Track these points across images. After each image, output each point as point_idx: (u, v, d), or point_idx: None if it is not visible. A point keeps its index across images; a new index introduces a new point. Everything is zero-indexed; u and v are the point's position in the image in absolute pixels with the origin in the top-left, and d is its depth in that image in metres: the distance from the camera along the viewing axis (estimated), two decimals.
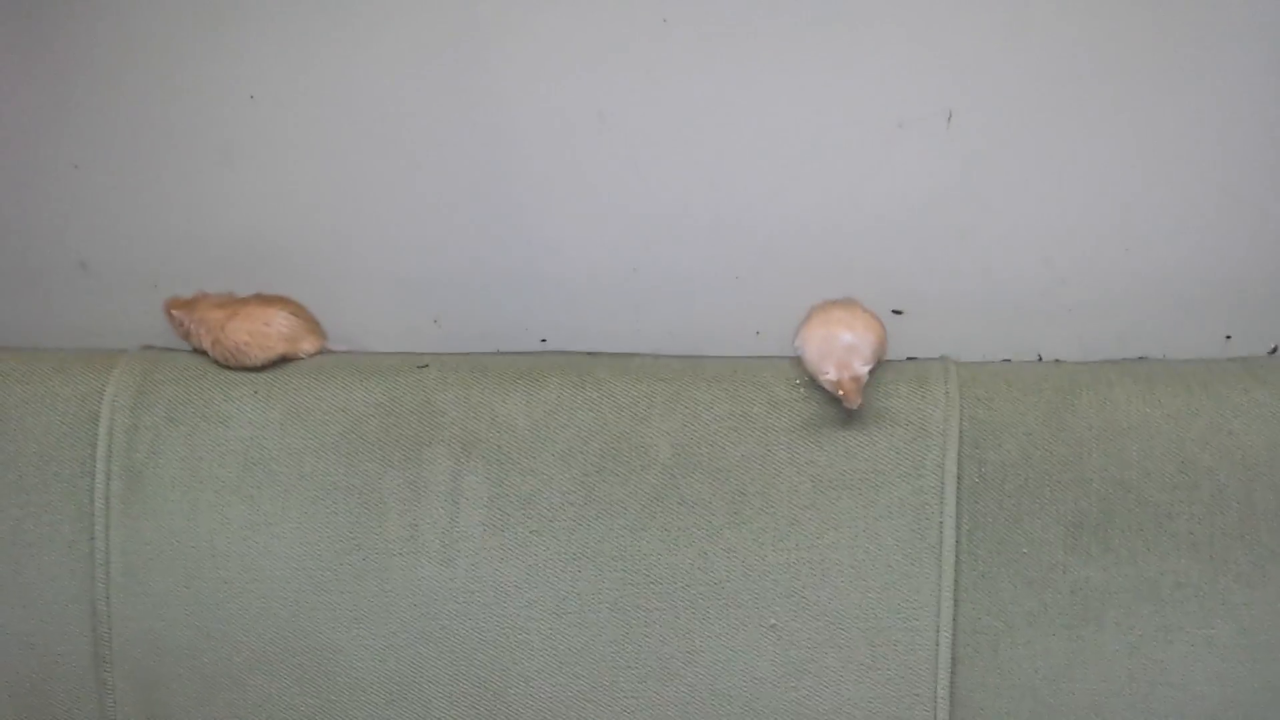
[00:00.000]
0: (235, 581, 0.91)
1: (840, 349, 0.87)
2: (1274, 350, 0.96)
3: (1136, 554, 0.85)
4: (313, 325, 0.99)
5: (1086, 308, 0.97)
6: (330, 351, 0.99)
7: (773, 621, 0.88)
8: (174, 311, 0.97)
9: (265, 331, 0.95)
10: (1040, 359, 0.98)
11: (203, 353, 0.97)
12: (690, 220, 1.00)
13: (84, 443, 0.93)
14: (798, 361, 0.91)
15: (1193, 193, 0.95)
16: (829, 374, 0.87)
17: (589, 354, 0.98)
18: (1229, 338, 0.97)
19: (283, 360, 0.96)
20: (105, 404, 0.94)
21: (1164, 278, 0.96)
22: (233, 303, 0.98)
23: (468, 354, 0.98)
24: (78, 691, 0.93)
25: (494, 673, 0.90)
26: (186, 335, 0.97)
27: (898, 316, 0.95)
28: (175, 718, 0.93)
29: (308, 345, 0.98)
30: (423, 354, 0.97)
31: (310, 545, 0.91)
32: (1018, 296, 0.98)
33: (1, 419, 0.94)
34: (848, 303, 0.91)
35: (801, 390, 0.90)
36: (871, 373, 0.88)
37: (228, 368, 0.96)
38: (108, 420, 0.93)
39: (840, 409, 0.88)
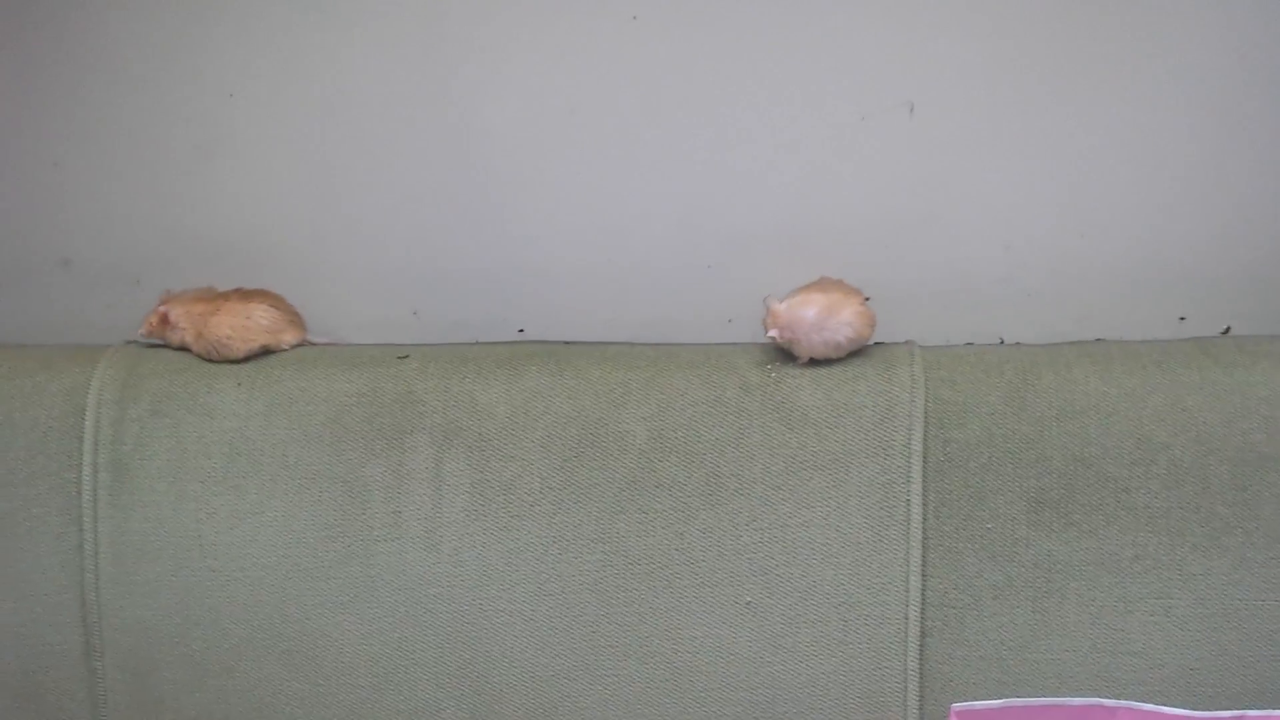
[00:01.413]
0: (222, 570, 0.91)
1: (798, 319, 0.89)
2: (1226, 330, 0.97)
3: (1097, 528, 0.86)
4: (293, 317, 0.99)
5: (1045, 292, 0.98)
6: (311, 343, 0.99)
7: (748, 599, 0.88)
8: (163, 308, 0.96)
9: (247, 325, 0.95)
10: (1002, 342, 0.99)
11: (184, 349, 0.96)
12: (662, 212, 1.00)
13: (71, 437, 0.93)
14: (769, 346, 0.92)
15: (1146, 179, 0.96)
16: (772, 333, 0.89)
17: (566, 343, 0.98)
18: (1183, 319, 0.98)
19: (264, 352, 0.96)
20: (91, 398, 0.93)
21: (1119, 262, 0.97)
22: (214, 297, 0.97)
23: (447, 344, 0.98)
24: (69, 680, 0.93)
25: (478, 654, 0.90)
26: (167, 331, 0.96)
27: (868, 303, 0.95)
28: (166, 704, 0.92)
29: (289, 337, 0.97)
30: (403, 345, 0.97)
31: (296, 533, 0.91)
32: (979, 282, 0.99)
33: None
34: (831, 284, 0.92)
35: (773, 375, 0.91)
36: (841, 358, 0.90)
37: (210, 361, 0.95)
38: (94, 414, 0.93)
39: (811, 393, 0.89)
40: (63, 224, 1.05)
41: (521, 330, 1.03)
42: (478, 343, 1.00)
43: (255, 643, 0.91)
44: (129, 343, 0.98)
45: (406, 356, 0.94)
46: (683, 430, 0.90)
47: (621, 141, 0.98)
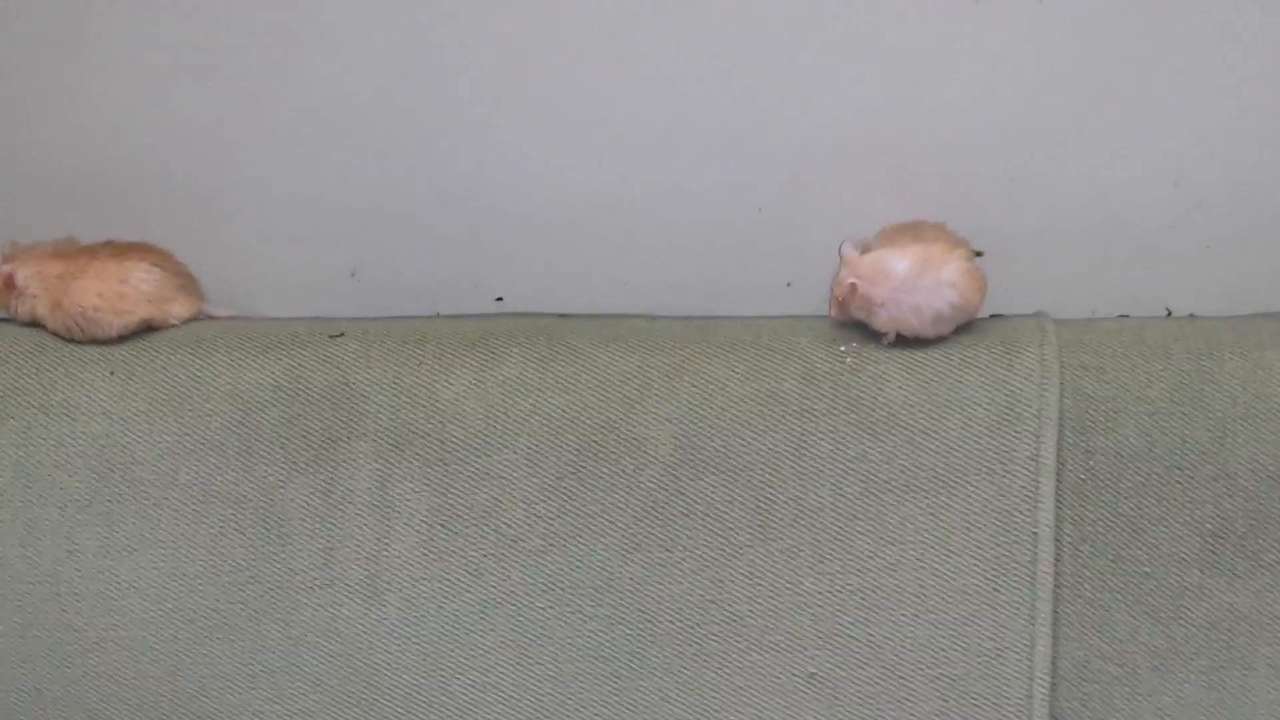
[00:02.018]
0: (87, 629, 0.95)
1: (883, 274, 0.92)
2: None
3: None
4: (184, 281, 1.02)
5: (1230, 244, 1.00)
6: (210, 317, 1.02)
7: (812, 669, 0.91)
8: (6, 267, 0.99)
9: (122, 291, 0.98)
10: (1169, 314, 1.01)
11: (36, 323, 0.99)
12: (692, 136, 1.02)
13: None
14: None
15: None
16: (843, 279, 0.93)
17: (561, 316, 1.01)
18: None
19: (146, 329, 0.99)
20: None
21: None
22: (77, 253, 1.00)
23: (397, 318, 1.01)
24: None
25: None
26: (12, 299, 0.99)
27: (979, 260, 0.98)
28: None
29: (179, 309, 1.00)
30: (337, 319, 1.01)
31: (190, 578, 0.94)
32: (1139, 230, 1.01)
33: None
34: (930, 231, 0.95)
35: (849, 359, 0.93)
36: (950, 335, 0.93)
37: (72, 341, 0.98)
38: None
39: (902, 385, 0.91)
40: None
41: (500, 299, 1.06)
42: (438, 316, 1.03)
43: None
44: None
45: (341, 335, 0.98)
46: (722, 437, 0.92)
47: (637, 38, 1.00)
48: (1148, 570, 0.89)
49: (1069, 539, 0.90)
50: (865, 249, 0.96)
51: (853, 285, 0.93)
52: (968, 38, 0.98)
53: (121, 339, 0.98)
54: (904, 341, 0.94)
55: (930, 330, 0.93)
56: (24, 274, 0.99)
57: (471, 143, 1.03)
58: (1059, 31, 0.97)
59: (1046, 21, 0.97)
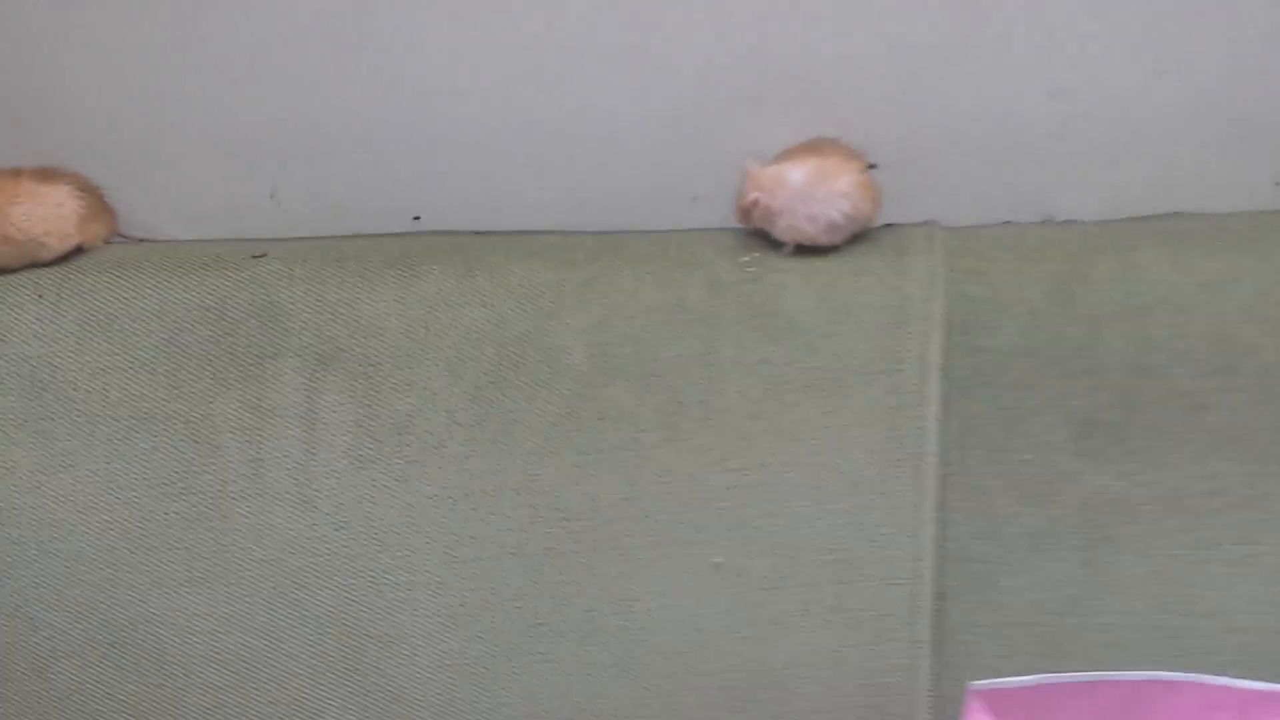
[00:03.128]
0: (27, 542, 0.98)
1: (781, 184, 0.96)
2: None
3: (1162, 457, 0.94)
4: (100, 202, 1.04)
5: (1106, 150, 1.05)
6: (124, 238, 1.04)
7: (717, 560, 0.97)
8: None
9: (60, 215, 1.00)
10: (1050, 220, 1.06)
11: None
12: (601, 53, 1.05)
13: None
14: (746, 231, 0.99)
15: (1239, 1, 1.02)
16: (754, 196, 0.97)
17: (477, 234, 1.04)
18: None
19: (77, 252, 1.01)
20: None
21: (1204, 110, 1.04)
22: (2, 177, 1.01)
23: (318, 238, 1.04)
24: None
25: (368, 640, 0.98)
26: None
27: (873, 171, 1.02)
28: None
29: (103, 230, 1.03)
30: (258, 240, 1.03)
31: (124, 490, 0.98)
32: (1021, 139, 1.05)
33: None
34: (827, 145, 1.00)
35: (751, 269, 0.98)
36: (843, 242, 0.98)
37: (5, 269, 1.00)
38: None
39: (800, 292, 0.96)
40: None
41: (417, 218, 1.09)
42: (358, 235, 1.06)
43: (73, 635, 0.98)
44: None
45: (264, 255, 1.00)
46: (632, 345, 0.97)
47: None
48: (1026, 458, 0.95)
49: (954, 432, 0.96)
50: (766, 164, 1.00)
51: (755, 199, 0.98)
52: None
53: (53, 263, 1.00)
54: (802, 250, 0.99)
55: (825, 238, 0.98)
56: None
57: (387, 67, 1.05)
58: None
59: None
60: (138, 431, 0.98)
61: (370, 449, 0.97)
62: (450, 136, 1.07)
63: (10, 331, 0.98)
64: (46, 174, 1.02)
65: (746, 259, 0.99)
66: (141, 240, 1.04)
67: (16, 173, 1.02)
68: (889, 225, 1.03)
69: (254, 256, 1.01)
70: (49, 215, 0.99)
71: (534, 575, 0.97)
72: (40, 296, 0.99)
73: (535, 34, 1.04)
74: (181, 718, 0.99)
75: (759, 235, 1.00)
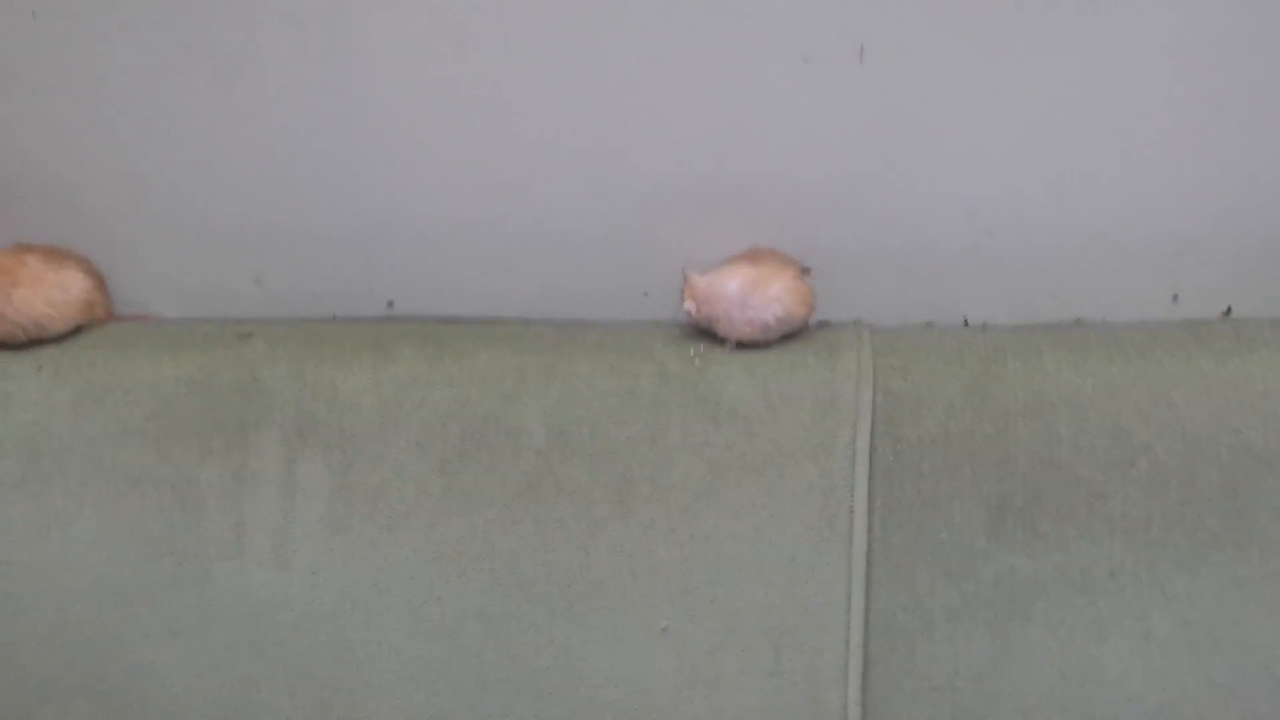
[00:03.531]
0: (21, 595, 1.02)
1: (719, 294, 1.03)
2: (1227, 312, 1.11)
3: (1067, 540, 1.01)
4: (101, 284, 1.09)
5: (1016, 265, 1.12)
6: (121, 318, 1.09)
7: (664, 624, 1.03)
8: None
9: (65, 300, 1.05)
10: (966, 323, 1.13)
11: None
12: (564, 162, 1.11)
13: None
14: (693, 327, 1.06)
15: (1134, 132, 1.08)
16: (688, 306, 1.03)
17: (445, 320, 1.11)
18: (1176, 298, 1.12)
19: (76, 331, 1.06)
20: None
21: (1104, 231, 1.11)
22: (4, 257, 1.06)
23: (299, 320, 1.10)
24: None
25: (339, 693, 1.03)
26: None
27: (806, 275, 1.09)
28: None
29: (102, 312, 1.08)
30: (244, 320, 1.09)
31: (113, 549, 1.02)
32: (940, 253, 1.12)
33: None
34: (764, 254, 1.07)
35: (697, 362, 1.05)
36: (784, 337, 1.05)
37: (8, 345, 1.04)
38: None
39: (741, 383, 1.03)
40: None
41: (391, 304, 1.15)
42: (335, 319, 1.12)
43: (61, 684, 1.03)
44: None
45: (250, 335, 1.06)
46: (588, 426, 1.03)
47: (515, 77, 1.09)
48: (944, 537, 1.01)
49: (879, 512, 1.02)
50: (704, 273, 1.07)
51: (693, 307, 1.05)
52: (801, 92, 1.08)
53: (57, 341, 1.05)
54: (743, 345, 1.05)
55: (761, 337, 1.05)
56: None
57: (366, 167, 1.12)
58: (876, 88, 1.08)
59: (865, 80, 1.08)
60: (128, 495, 1.03)
61: (344, 515, 1.03)
62: (423, 230, 1.13)
63: (11, 400, 1.03)
64: (54, 255, 1.07)
65: (693, 352, 1.05)
66: (138, 318, 1.09)
67: (24, 250, 1.06)
68: (822, 323, 1.09)
69: (240, 336, 1.06)
70: (54, 299, 1.04)
71: (494, 636, 1.02)
72: (40, 368, 1.04)
73: (505, 142, 1.11)
74: None
75: (705, 332, 1.07)
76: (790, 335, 1.07)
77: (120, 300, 1.13)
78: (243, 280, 1.15)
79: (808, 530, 1.02)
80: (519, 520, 1.03)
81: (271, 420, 1.04)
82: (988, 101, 1.09)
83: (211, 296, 1.15)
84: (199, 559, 1.03)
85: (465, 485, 1.03)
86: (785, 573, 1.03)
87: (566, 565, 1.03)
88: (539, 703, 1.03)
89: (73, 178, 1.13)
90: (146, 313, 1.12)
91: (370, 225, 1.14)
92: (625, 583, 1.03)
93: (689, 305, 1.05)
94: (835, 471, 1.02)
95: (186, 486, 1.03)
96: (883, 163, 1.11)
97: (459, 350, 1.06)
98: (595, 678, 1.03)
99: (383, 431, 1.03)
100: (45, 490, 1.03)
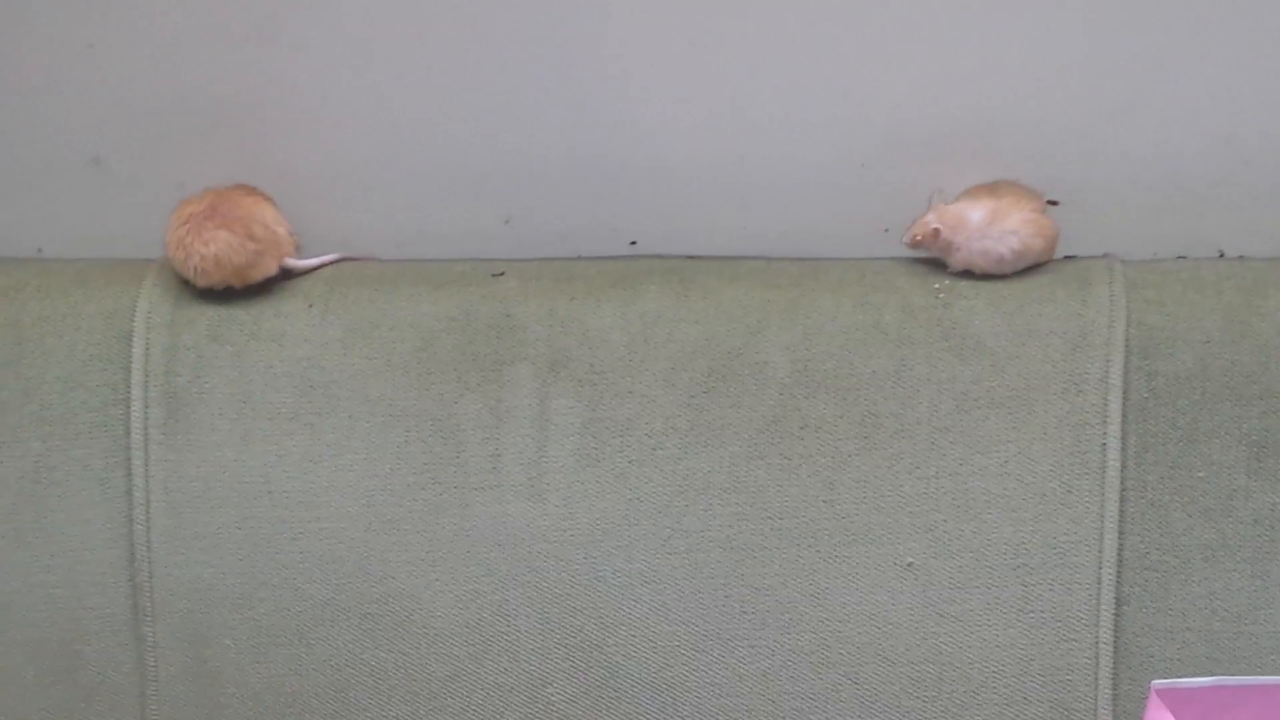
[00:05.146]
0: (295, 521, 1.07)
1: (962, 221, 1.03)
2: None
3: None
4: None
5: (1274, 194, 1.09)
6: (350, 259, 1.13)
7: (910, 559, 1.02)
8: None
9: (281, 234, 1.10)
10: (1222, 255, 1.10)
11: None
12: (806, 99, 1.12)
13: (116, 366, 1.09)
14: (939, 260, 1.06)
15: None
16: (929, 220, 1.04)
17: (689, 258, 1.12)
18: None
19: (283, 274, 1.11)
20: (139, 321, 1.09)
21: None
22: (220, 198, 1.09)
23: (548, 259, 1.13)
24: (114, 650, 1.09)
25: (590, 620, 1.05)
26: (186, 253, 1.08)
27: (1053, 208, 1.08)
28: (225, 677, 1.09)
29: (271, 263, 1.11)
30: (495, 260, 1.12)
31: (379, 478, 1.06)
32: (1195, 182, 1.10)
33: (18, 341, 1.10)
34: (1007, 187, 1.06)
35: (942, 296, 1.04)
36: (1026, 270, 1.04)
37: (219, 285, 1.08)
38: (143, 339, 1.09)
39: (988, 316, 1.02)
40: (93, 117, 1.19)
41: (634, 243, 1.18)
42: (581, 258, 1.14)
43: (332, 606, 1.07)
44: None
45: (502, 274, 1.09)
46: (833, 361, 1.03)
47: (757, 14, 1.10)
48: (1201, 475, 1.00)
49: (1133, 449, 1.01)
50: (948, 201, 1.07)
51: (936, 230, 1.04)
52: (1044, 18, 1.07)
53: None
54: (989, 276, 1.04)
55: (995, 269, 1.04)
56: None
57: (611, 108, 1.14)
58: (1124, 11, 1.07)
59: (1110, 6, 1.07)
60: (392, 428, 1.06)
61: (595, 448, 1.05)
62: (666, 171, 1.15)
63: (285, 336, 1.08)
64: (253, 191, 1.12)
65: (938, 285, 1.05)
66: (365, 259, 1.14)
67: (226, 193, 1.10)
68: (1069, 258, 1.08)
69: (494, 275, 1.09)
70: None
71: (739, 568, 1.04)
72: (310, 306, 1.09)
73: (746, 81, 1.12)
74: (423, 685, 1.07)
75: (939, 264, 1.06)
76: (1028, 269, 1.06)
77: (386, 244, 1.16)
78: (494, 222, 1.19)
79: (1057, 466, 1.01)
80: (765, 454, 1.04)
81: (525, 356, 1.06)
82: (1248, 14, 1.06)
83: (465, 237, 1.18)
84: (459, 489, 1.06)
85: (711, 419, 1.04)
86: (1034, 509, 1.02)
87: (811, 499, 1.03)
88: (783, 634, 1.04)
89: (326, 121, 1.17)
90: (371, 254, 1.16)
91: (614, 166, 1.16)
92: (870, 517, 1.03)
93: (934, 224, 1.04)
94: (1086, 407, 1.01)
95: (447, 420, 1.06)
96: (1133, 85, 1.09)
97: (704, 286, 1.07)
98: (839, 611, 1.04)
99: (631, 366, 1.05)
100: (317, 422, 1.07)
